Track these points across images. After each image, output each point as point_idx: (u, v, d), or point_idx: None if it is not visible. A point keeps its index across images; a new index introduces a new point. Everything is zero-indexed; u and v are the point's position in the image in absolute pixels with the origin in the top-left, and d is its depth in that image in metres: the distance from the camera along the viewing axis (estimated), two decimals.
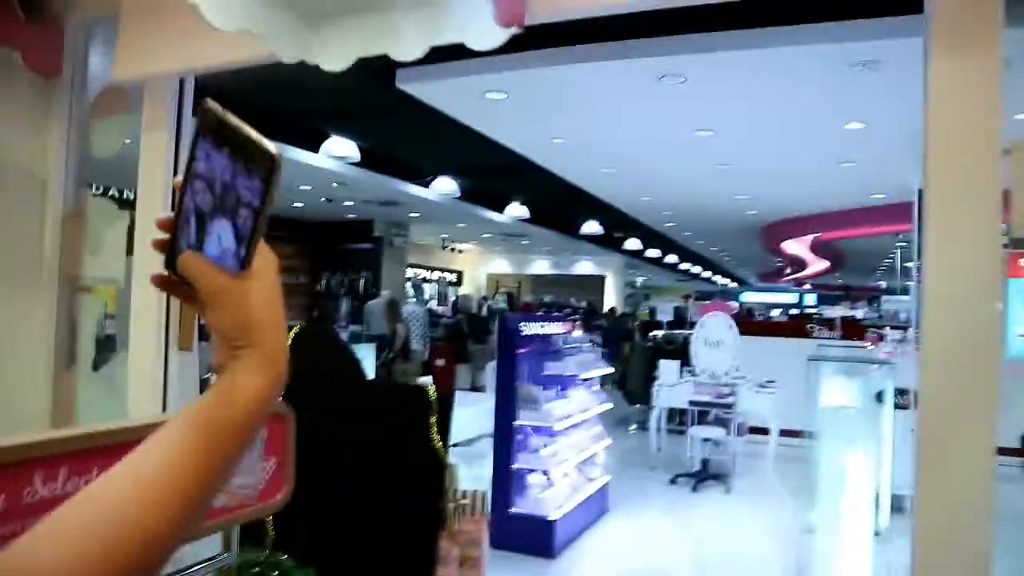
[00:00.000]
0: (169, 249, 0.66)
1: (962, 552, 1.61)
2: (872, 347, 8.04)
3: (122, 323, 3.32)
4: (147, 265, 3.00)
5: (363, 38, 2.11)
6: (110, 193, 3.45)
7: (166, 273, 0.67)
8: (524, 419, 5.12)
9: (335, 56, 2.14)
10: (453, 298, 18.45)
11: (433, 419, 1.79)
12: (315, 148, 8.28)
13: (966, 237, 1.67)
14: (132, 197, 3.30)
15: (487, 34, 1.86)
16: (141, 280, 3.03)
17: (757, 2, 3.72)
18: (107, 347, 3.45)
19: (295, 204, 12.01)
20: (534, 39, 3.90)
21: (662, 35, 4.26)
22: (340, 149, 8.27)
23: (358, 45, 2.11)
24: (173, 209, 0.66)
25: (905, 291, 15.00)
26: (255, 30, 1.99)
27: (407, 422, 1.80)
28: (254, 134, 0.63)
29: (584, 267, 24.08)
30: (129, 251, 3.13)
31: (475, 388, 11.05)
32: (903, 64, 4.40)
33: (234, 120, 0.63)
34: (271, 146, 0.63)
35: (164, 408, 3.04)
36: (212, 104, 0.64)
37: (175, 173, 3.05)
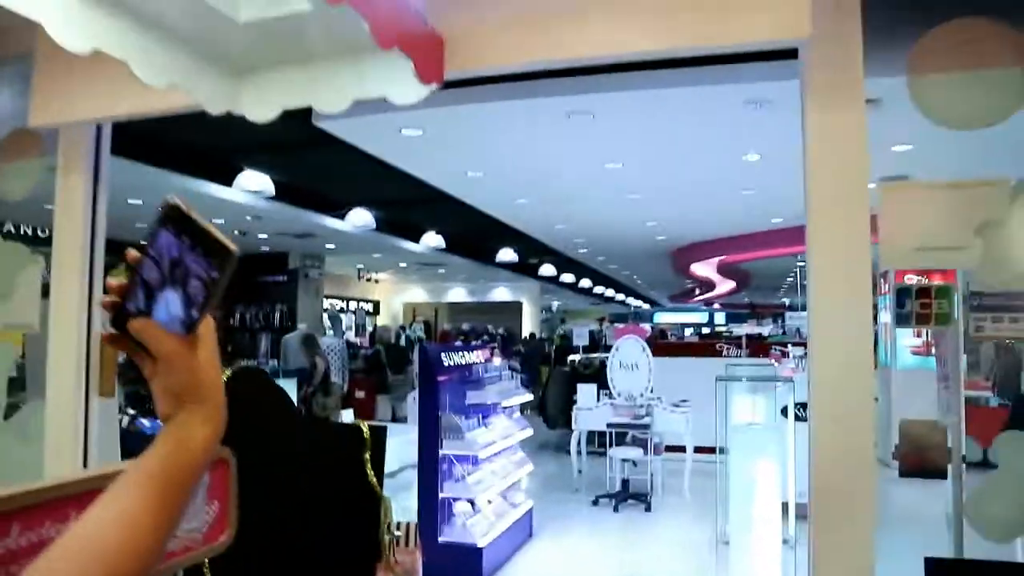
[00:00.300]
0: (118, 311, 0.76)
1: (851, 552, 1.80)
2: (776, 364, 8.48)
3: (33, 370, 3.26)
4: (65, 310, 2.96)
5: (288, 91, 2.19)
6: (21, 231, 3.38)
7: (114, 331, 0.76)
8: (448, 448, 5.20)
9: (260, 108, 2.22)
10: (371, 329, 18.32)
11: (367, 455, 1.88)
12: (228, 182, 8.19)
13: (841, 261, 1.88)
14: (47, 234, 3.26)
15: (409, 90, 1.98)
16: (59, 325, 2.99)
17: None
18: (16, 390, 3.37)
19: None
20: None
21: (570, 76, 4.49)
22: (254, 183, 8.20)
23: (283, 98, 2.20)
24: (128, 272, 0.76)
25: (806, 308, 15.78)
26: (183, 85, 2.05)
27: (343, 459, 1.88)
28: (214, 230, 0.74)
29: (501, 294, 24.31)
30: (44, 295, 3.08)
31: (396, 419, 11.00)
32: (791, 102, 4.75)
33: (197, 216, 0.74)
34: (230, 243, 0.74)
35: (85, 455, 2.99)
36: (176, 200, 0.75)
37: (93, 218, 3.03)
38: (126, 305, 0.75)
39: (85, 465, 2.98)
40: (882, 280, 7.89)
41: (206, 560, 1.97)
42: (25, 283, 3.14)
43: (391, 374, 11.77)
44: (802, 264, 15.13)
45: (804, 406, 5.75)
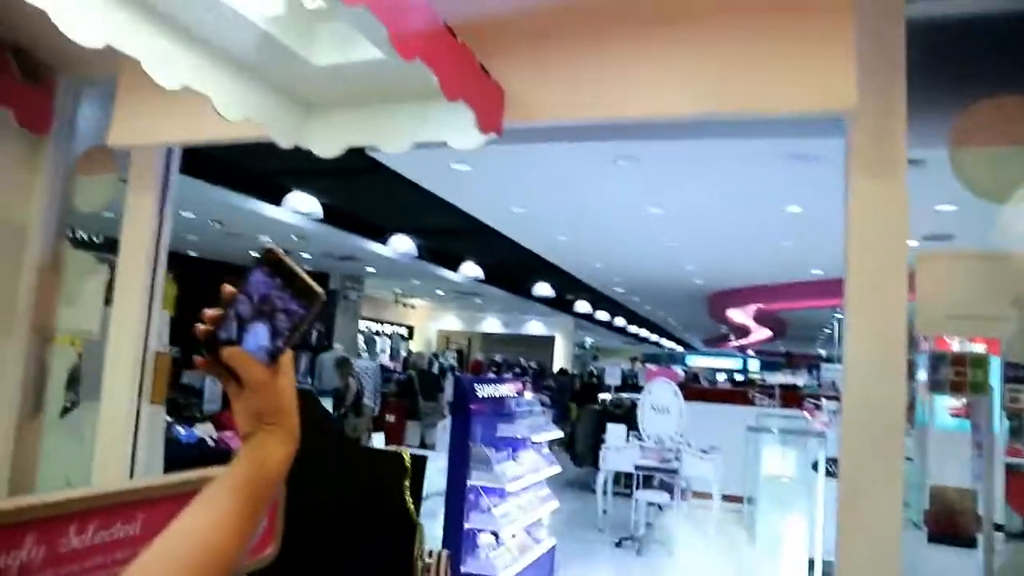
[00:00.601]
0: (211, 336, 0.85)
1: None
2: (809, 417, 8.39)
3: (89, 373, 3.41)
4: (126, 319, 3.11)
5: (354, 129, 2.32)
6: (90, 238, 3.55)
7: (207, 356, 0.86)
8: (476, 479, 5.25)
9: (327, 144, 2.35)
10: (404, 354, 18.47)
11: (407, 482, 1.97)
12: (277, 202, 8.42)
13: (878, 323, 1.93)
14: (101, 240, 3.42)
15: (468, 137, 2.09)
16: (118, 332, 3.13)
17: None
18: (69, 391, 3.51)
19: (252, 253, 12.06)
20: None
21: (607, 124, 4.60)
22: (304, 204, 8.43)
23: (349, 135, 2.33)
24: (220, 304, 0.86)
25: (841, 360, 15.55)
26: (258, 119, 2.19)
27: (383, 484, 1.97)
28: (304, 275, 0.84)
29: (534, 327, 24.34)
30: (107, 302, 3.24)
31: (424, 445, 11.06)
32: (835, 156, 4.81)
33: (289, 261, 0.85)
34: (317, 287, 0.84)
35: (133, 458, 3.12)
36: (273, 246, 0.86)
37: (158, 235, 3.20)
38: (219, 333, 0.85)
39: (132, 466, 3.11)
40: (923, 339, 7.80)
41: (246, 574, 2.07)
42: (90, 291, 3.31)
43: (422, 400, 11.86)
44: (840, 316, 14.95)
45: (836, 462, 5.71)
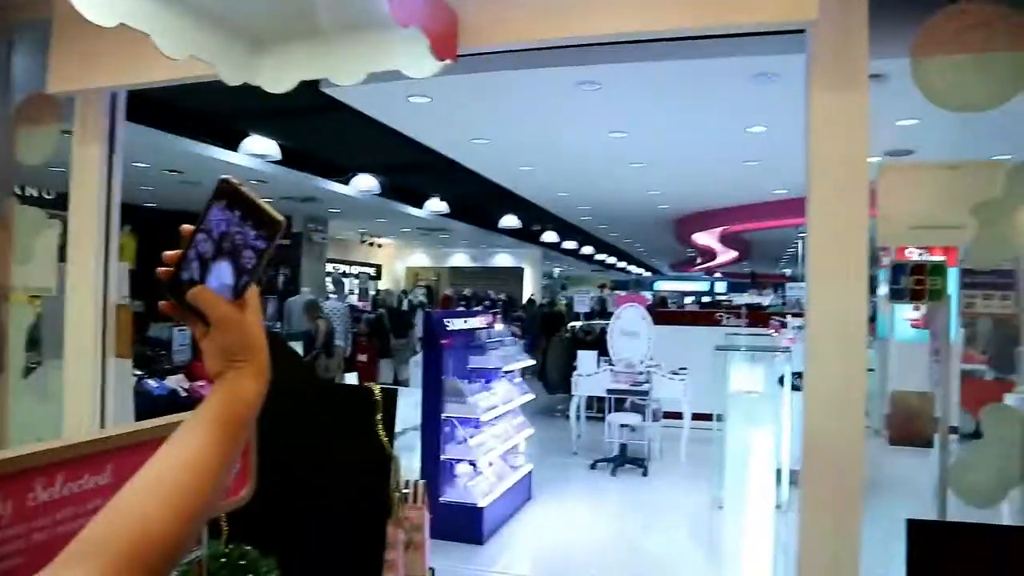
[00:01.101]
0: (172, 279, 0.83)
1: (837, 518, 1.90)
2: (775, 334, 8.58)
3: (49, 331, 3.35)
4: (82, 273, 3.05)
5: (305, 64, 2.25)
6: (40, 194, 3.44)
7: (170, 299, 0.84)
8: (451, 411, 5.32)
9: (277, 80, 2.28)
10: (372, 293, 18.43)
11: (379, 416, 1.97)
12: (234, 147, 8.22)
13: (839, 236, 1.95)
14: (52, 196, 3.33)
15: (423, 64, 2.04)
16: (77, 288, 3.07)
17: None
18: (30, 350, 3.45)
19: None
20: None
21: (578, 47, 4.51)
22: (260, 147, 8.23)
23: (300, 70, 2.25)
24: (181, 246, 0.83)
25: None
26: (204, 57, 2.11)
27: (355, 421, 1.97)
28: (263, 203, 0.82)
29: (503, 259, 24.38)
30: (62, 258, 3.16)
31: (397, 382, 11.15)
32: (798, 75, 4.79)
33: (247, 191, 0.82)
34: (277, 215, 0.81)
35: (103, 413, 3.10)
36: (231, 179, 0.82)
37: (108, 185, 3.10)
38: (181, 274, 0.83)
39: (103, 422, 3.09)
40: (882, 253, 7.95)
41: (223, 514, 2.08)
42: (43, 247, 3.22)
43: (393, 338, 11.89)
44: (803, 236, 15.18)
45: (801, 375, 5.87)
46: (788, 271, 26.86)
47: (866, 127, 1.97)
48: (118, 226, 3.16)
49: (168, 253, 0.84)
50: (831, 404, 1.91)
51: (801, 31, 2.08)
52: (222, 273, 0.82)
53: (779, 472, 4.94)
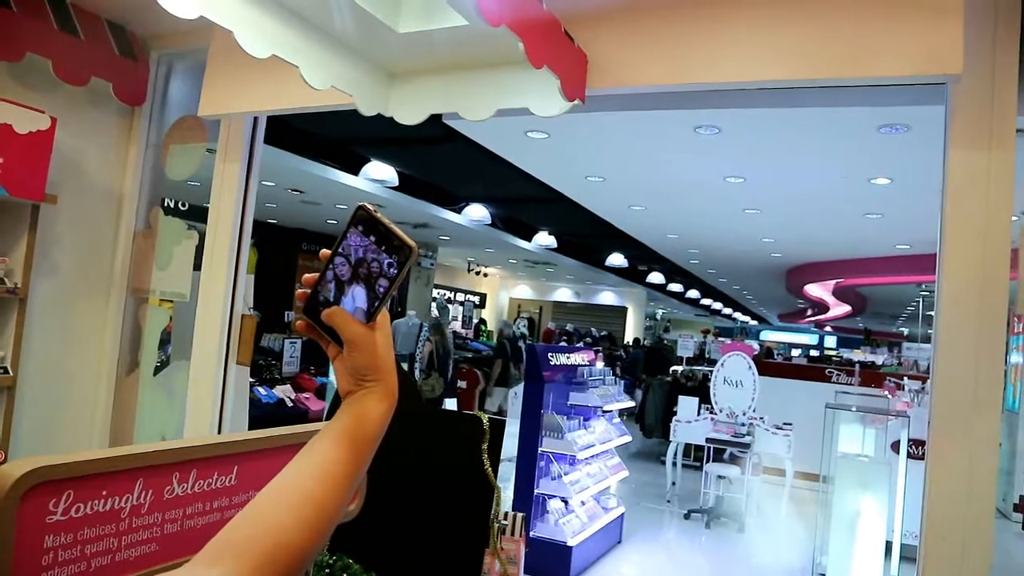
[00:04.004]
0: (309, 299, 0.88)
1: None
2: (890, 396, 8.14)
3: (179, 334, 3.57)
4: (214, 283, 3.24)
5: (436, 98, 2.34)
6: (176, 205, 3.70)
7: (305, 319, 0.89)
8: (547, 446, 5.30)
9: (409, 112, 2.38)
10: (476, 321, 18.65)
11: (485, 445, 2.00)
12: (355, 171, 8.56)
13: (975, 297, 1.84)
14: (186, 208, 3.58)
15: (551, 104, 2.08)
16: (207, 296, 3.27)
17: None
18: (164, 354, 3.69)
19: (329, 221, 12.32)
20: None
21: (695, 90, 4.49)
22: (380, 173, 8.54)
23: (431, 103, 2.34)
24: (319, 270, 0.88)
25: (927, 339, 15.03)
26: (343, 88, 2.23)
27: (462, 447, 2.00)
28: (397, 229, 0.85)
29: (606, 297, 24.22)
30: (196, 267, 3.38)
31: (500, 412, 11.19)
32: (930, 126, 4.58)
33: (382, 217, 0.86)
34: (409, 240, 0.85)
35: (220, 415, 3.27)
36: (368, 205, 0.87)
37: (244, 202, 3.30)
38: (317, 296, 0.88)
39: (220, 422, 3.26)
40: (1016, 319, 7.45)
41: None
42: (181, 255, 3.45)
43: (513, 367, 11.91)
44: (925, 293, 14.37)
45: (919, 443, 5.54)
46: (906, 330, 25.52)
47: (1011, 186, 1.87)
48: (249, 240, 3.36)
49: (307, 276, 0.89)
50: (957, 479, 1.80)
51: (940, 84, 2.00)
52: (357, 297, 0.86)
53: (889, 545, 4.66)
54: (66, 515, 1.02)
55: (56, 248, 3.31)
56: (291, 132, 7.27)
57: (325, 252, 0.88)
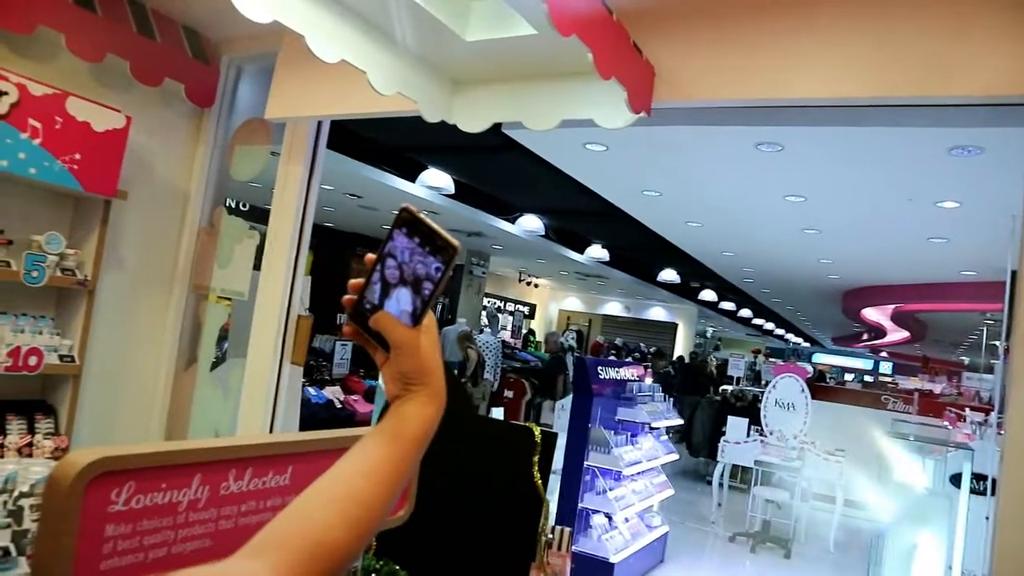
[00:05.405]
0: (356, 305, 0.88)
1: None
2: (951, 427, 7.87)
3: (236, 332, 3.64)
4: (273, 283, 3.30)
5: (500, 107, 2.35)
6: (238, 206, 3.79)
7: (352, 324, 0.88)
8: (594, 461, 5.26)
9: (472, 120, 2.39)
10: (524, 331, 18.65)
11: (536, 457, 1.98)
12: (413, 178, 8.65)
13: None
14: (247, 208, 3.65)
15: (617, 116, 2.07)
16: (265, 295, 3.33)
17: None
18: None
19: (384, 226, 12.47)
20: None
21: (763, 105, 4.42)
22: (436, 180, 8.61)
23: (495, 112, 2.35)
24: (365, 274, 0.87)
25: (990, 370, 14.49)
26: (409, 94, 2.25)
27: (513, 458, 1.99)
28: (440, 230, 0.85)
29: (657, 313, 23.97)
30: (256, 266, 3.45)
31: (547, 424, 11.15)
32: (1005, 148, 4.43)
33: (426, 219, 0.85)
34: (453, 240, 0.84)
35: (273, 413, 3.32)
36: (411, 207, 0.86)
37: (305, 204, 3.36)
38: (363, 301, 0.87)
39: (273, 420, 3.31)
40: None
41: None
42: (242, 255, 3.52)
43: (565, 379, 11.85)
44: (990, 322, 13.86)
45: (982, 478, 5.32)
46: (966, 359, 24.64)
47: None
48: (308, 242, 3.42)
49: (353, 281, 0.88)
50: None
51: (1019, 104, 1.93)
52: (402, 300, 0.85)
53: None
54: (127, 505, 1.04)
55: (123, 243, 3.41)
56: (352, 137, 7.38)
57: (370, 256, 0.88)
